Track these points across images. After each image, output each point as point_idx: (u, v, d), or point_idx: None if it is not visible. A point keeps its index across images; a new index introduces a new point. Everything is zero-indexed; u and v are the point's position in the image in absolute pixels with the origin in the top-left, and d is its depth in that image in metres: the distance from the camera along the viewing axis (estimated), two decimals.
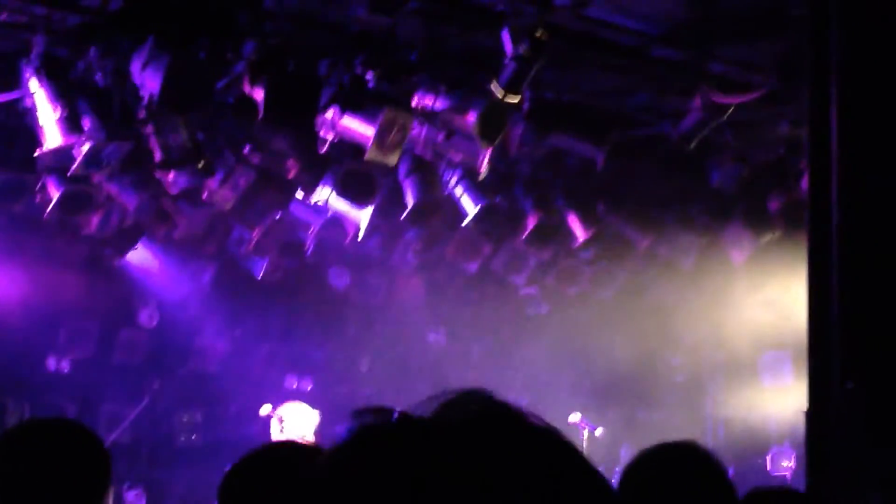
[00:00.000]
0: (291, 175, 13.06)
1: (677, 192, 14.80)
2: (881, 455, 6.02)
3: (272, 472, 3.97)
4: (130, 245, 14.46)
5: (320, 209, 14.02)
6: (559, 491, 1.51)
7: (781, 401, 16.24)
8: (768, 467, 15.96)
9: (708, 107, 11.90)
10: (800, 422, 6.55)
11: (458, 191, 13.44)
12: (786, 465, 16.00)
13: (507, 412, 1.57)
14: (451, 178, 13.34)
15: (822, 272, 6.43)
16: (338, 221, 14.22)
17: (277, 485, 3.75)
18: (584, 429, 14.80)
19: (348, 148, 11.89)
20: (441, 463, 1.47)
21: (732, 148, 13.67)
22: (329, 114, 11.20)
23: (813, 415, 6.40)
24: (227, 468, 4.20)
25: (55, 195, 12.63)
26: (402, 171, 12.96)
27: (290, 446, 4.35)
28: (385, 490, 1.46)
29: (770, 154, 13.91)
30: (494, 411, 1.57)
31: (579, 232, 14.82)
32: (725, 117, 12.06)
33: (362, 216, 13.78)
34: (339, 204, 13.56)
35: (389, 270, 16.92)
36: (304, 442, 4.48)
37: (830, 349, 6.32)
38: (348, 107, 11.12)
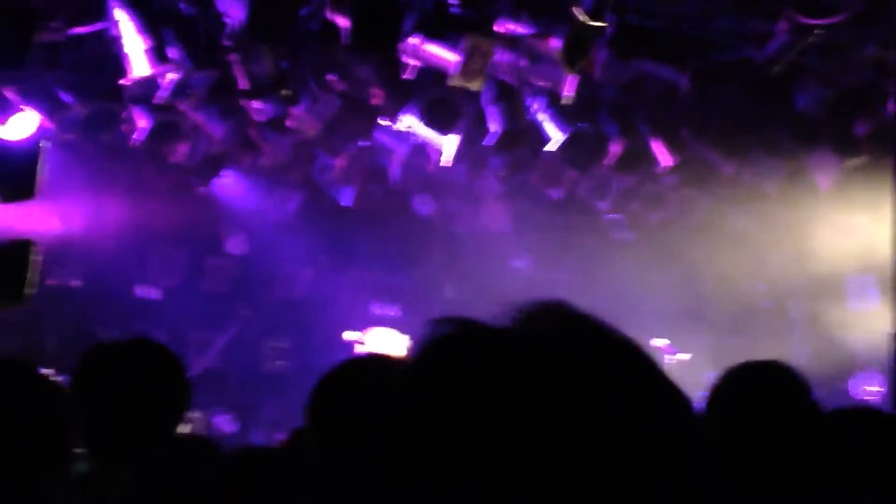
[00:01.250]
0: (375, 102, 13.08)
1: (762, 116, 14.66)
2: None
3: (357, 382, 3.99)
4: (217, 173, 14.57)
5: (405, 136, 14.02)
6: (634, 401, 1.49)
7: (867, 324, 16.15)
8: (852, 392, 15.88)
9: (793, 29, 11.77)
10: (885, 345, 6.51)
11: (542, 117, 13.40)
12: (870, 391, 15.91)
13: (586, 323, 1.56)
14: (534, 105, 13.29)
15: None
16: (422, 148, 14.22)
17: (362, 392, 3.78)
18: (669, 354, 14.82)
19: (432, 74, 11.88)
20: (516, 371, 1.47)
21: (818, 71, 13.52)
22: (412, 40, 11.18)
23: None
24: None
25: (142, 125, 12.72)
26: (486, 97, 12.92)
27: (375, 358, 4.38)
28: (456, 396, 1.46)
29: (857, 77, 13.73)
30: (572, 322, 1.56)
31: (663, 158, 14.74)
32: (811, 40, 11.93)
33: (447, 143, 13.77)
34: (424, 130, 13.56)
35: (474, 197, 16.92)
36: (389, 356, 4.51)
37: None
38: (431, 33, 11.09)
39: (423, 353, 1.53)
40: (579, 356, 1.50)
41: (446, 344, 1.53)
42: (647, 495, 1.46)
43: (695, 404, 1.62)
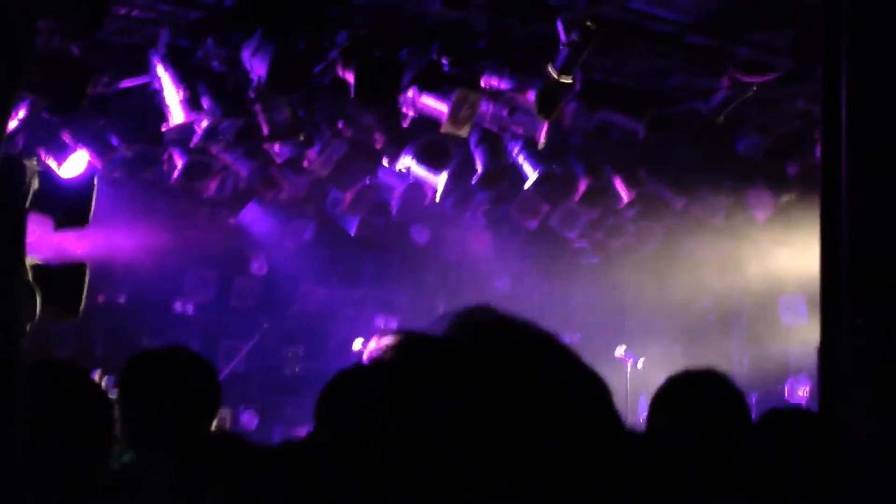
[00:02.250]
0: (378, 146, 13.08)
1: (708, 159, 14.67)
2: (884, 382, 5.97)
3: (355, 387, 4.00)
4: (243, 206, 14.54)
5: (403, 175, 14.02)
6: (553, 389, 1.46)
7: (797, 337, 16.14)
8: (786, 395, 15.85)
9: (734, 85, 11.78)
10: (813, 355, 6.51)
11: (520, 158, 13.39)
12: (801, 394, 15.87)
13: (506, 323, 1.53)
14: (514, 148, 13.29)
15: (833, 226, 6.36)
16: (418, 185, 14.22)
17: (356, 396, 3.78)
18: (628, 360, 14.78)
19: (426, 122, 11.88)
20: (442, 372, 1.44)
21: (755, 121, 13.53)
22: (410, 93, 11.18)
23: (825, 348, 6.34)
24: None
25: (180, 164, 12.71)
26: (473, 141, 12.92)
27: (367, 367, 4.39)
28: (402, 392, 1.45)
29: (788, 126, 13.75)
30: (494, 325, 1.52)
31: (623, 194, 14.75)
32: (749, 94, 11.94)
33: (439, 180, 13.77)
34: (419, 170, 13.55)
35: (462, 227, 16.91)
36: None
37: (840, 291, 6.26)
38: (426, 87, 11.09)
39: (371, 362, 1.51)
40: (497, 358, 1.46)
41: (393, 351, 1.51)
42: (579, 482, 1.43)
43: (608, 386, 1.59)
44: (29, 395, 3.70)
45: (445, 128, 11.22)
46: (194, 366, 4.51)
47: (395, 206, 14.99)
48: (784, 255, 15.63)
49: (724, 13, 10.45)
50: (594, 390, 1.50)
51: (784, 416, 4.37)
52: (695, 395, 4.22)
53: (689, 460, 4.03)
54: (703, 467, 4.03)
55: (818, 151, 9.04)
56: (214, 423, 4.48)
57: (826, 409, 6.21)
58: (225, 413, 14.10)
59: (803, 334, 15.52)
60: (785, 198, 14.70)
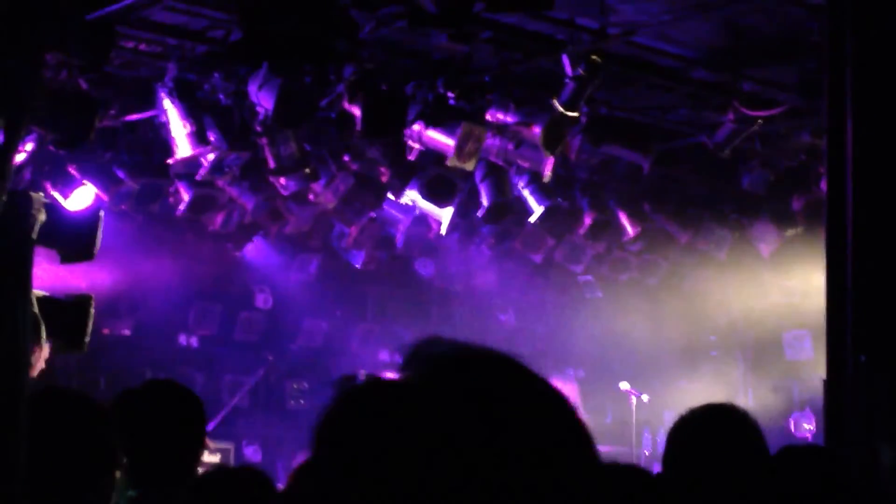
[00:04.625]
0: (384, 179, 13.10)
1: (713, 193, 14.70)
2: (889, 416, 5.96)
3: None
4: (248, 239, 14.56)
5: (408, 208, 14.03)
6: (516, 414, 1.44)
7: (802, 372, 16.11)
8: (791, 430, 15.81)
9: (739, 120, 11.80)
10: (819, 390, 6.50)
11: (526, 192, 13.41)
12: (806, 428, 15.83)
13: (461, 356, 1.51)
14: (519, 182, 13.31)
15: (838, 262, 6.37)
16: (423, 219, 14.23)
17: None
18: (633, 395, 14.75)
19: (432, 156, 11.91)
20: (400, 413, 1.43)
21: (760, 155, 13.55)
22: (416, 127, 11.21)
23: (830, 384, 6.34)
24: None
25: (186, 197, 12.73)
26: (478, 175, 12.94)
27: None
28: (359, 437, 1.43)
29: (793, 160, 13.77)
30: (445, 362, 1.51)
31: (628, 228, 14.77)
32: (754, 129, 11.96)
33: (444, 214, 13.77)
34: (425, 204, 13.56)
35: (467, 261, 16.90)
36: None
37: (845, 327, 6.25)
38: (432, 121, 11.12)
39: (330, 409, 1.51)
40: (456, 398, 1.44)
41: (344, 402, 1.51)
42: None
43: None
44: (34, 424, 3.70)
45: (451, 161, 11.25)
46: (180, 397, 4.54)
47: (400, 239, 15.00)
48: (789, 290, 15.62)
49: (729, 48, 10.50)
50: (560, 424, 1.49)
51: (799, 453, 4.37)
52: (713, 430, 4.21)
53: (707, 495, 4.03)
54: (720, 501, 4.03)
55: (823, 186, 9.07)
56: (212, 456, 4.50)
57: (832, 445, 6.19)
58: (228, 447, 14.07)
59: (808, 369, 15.52)
60: (790, 232, 14.70)
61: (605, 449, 14.73)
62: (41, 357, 5.92)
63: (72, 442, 3.67)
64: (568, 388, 15.02)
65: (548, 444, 1.44)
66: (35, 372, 5.55)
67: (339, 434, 1.47)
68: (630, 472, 3.98)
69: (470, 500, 1.38)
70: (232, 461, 13.77)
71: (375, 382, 1.51)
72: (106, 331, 14.56)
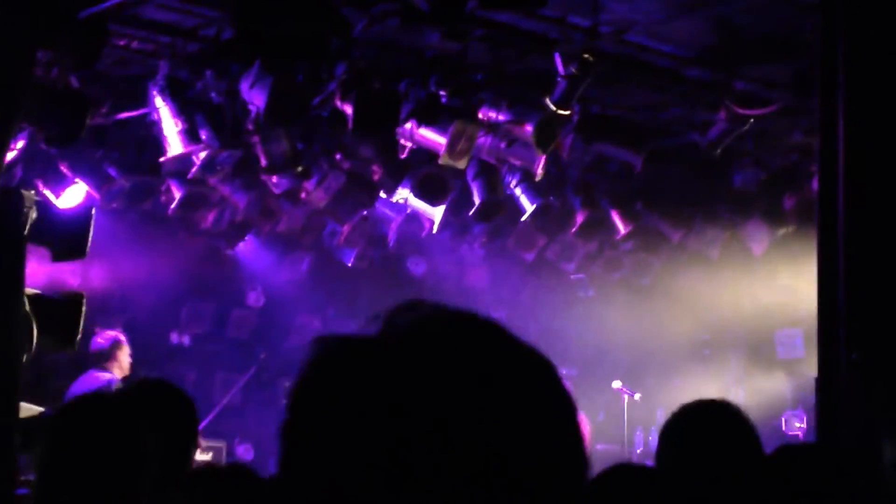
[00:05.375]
0: (376, 178, 13.10)
1: (705, 192, 14.71)
2: (881, 415, 5.97)
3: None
4: (240, 238, 14.55)
5: (400, 207, 14.03)
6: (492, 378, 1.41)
7: (793, 371, 16.13)
8: (783, 428, 15.82)
9: (731, 119, 11.82)
10: (811, 389, 6.51)
11: (518, 191, 13.42)
12: (797, 426, 15.84)
13: (440, 319, 1.49)
14: (511, 180, 13.31)
15: (830, 260, 6.38)
16: (415, 217, 14.24)
17: None
18: (625, 393, 14.76)
19: (424, 154, 11.91)
20: (382, 374, 1.40)
21: (752, 154, 13.58)
22: (408, 125, 11.21)
23: (822, 382, 6.35)
24: None
25: (177, 195, 12.72)
26: (470, 174, 12.94)
27: None
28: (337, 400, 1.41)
29: (785, 159, 13.80)
30: (427, 322, 1.48)
31: (620, 226, 14.78)
32: (746, 127, 11.98)
33: (436, 212, 13.78)
34: (417, 202, 13.57)
35: (459, 259, 16.91)
36: None
37: (837, 325, 6.26)
38: (424, 119, 11.13)
39: (304, 371, 1.48)
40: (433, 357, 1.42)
41: (322, 359, 1.48)
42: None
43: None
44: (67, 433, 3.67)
45: (443, 160, 11.25)
46: (172, 396, 4.53)
47: (392, 237, 15.01)
48: (780, 288, 15.63)
49: (722, 47, 10.51)
50: (540, 377, 1.46)
51: (798, 451, 4.38)
52: (707, 426, 4.22)
53: (700, 491, 4.03)
54: (714, 499, 4.03)
55: (815, 185, 9.09)
56: (205, 455, 4.50)
57: (824, 443, 6.20)
58: (220, 445, 14.05)
59: (800, 368, 15.54)
60: (782, 231, 14.71)
61: (597, 447, 14.76)
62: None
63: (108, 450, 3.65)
64: None
65: (527, 408, 1.40)
66: None
67: (315, 399, 1.44)
68: (625, 469, 3.98)
69: (444, 466, 1.35)
70: (224, 459, 13.76)
71: (350, 344, 1.48)
72: (97, 329, 14.55)
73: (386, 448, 1.35)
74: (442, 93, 11.06)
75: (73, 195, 12.07)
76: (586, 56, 10.20)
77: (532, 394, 1.43)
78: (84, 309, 7.65)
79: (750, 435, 4.18)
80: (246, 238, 14.67)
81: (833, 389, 6.25)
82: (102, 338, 11.24)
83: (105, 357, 11.08)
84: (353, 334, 1.50)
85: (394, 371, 1.41)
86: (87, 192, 12.08)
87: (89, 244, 8.19)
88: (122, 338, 11.32)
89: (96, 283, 13.93)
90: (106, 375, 10.88)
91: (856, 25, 6.49)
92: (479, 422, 1.36)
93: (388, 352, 1.44)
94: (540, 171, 11.92)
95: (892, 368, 6.11)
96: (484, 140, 11.64)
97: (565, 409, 1.45)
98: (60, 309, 7.37)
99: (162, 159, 11.21)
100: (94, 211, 8.49)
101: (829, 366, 6.30)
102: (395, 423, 1.36)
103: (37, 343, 6.62)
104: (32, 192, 8.30)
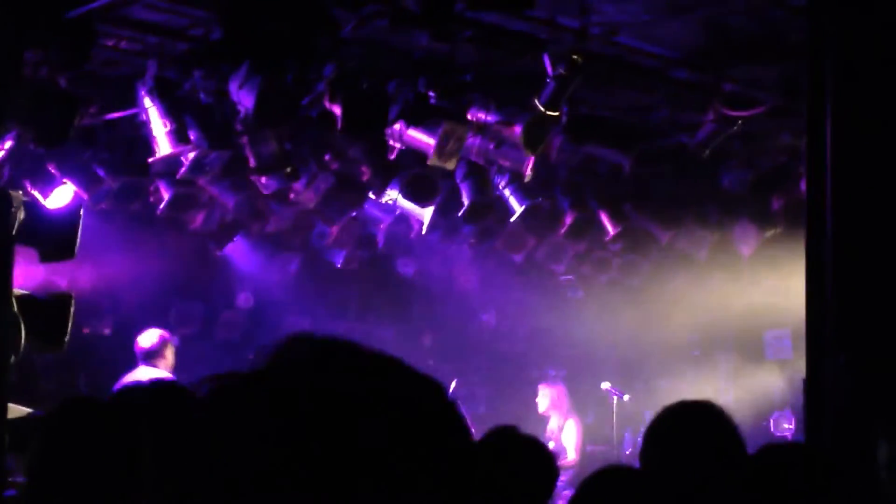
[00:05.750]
0: (365, 179, 13.09)
1: (693, 193, 14.73)
2: (870, 416, 5.98)
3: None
4: (229, 239, 14.53)
5: (390, 208, 14.03)
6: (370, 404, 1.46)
7: (782, 372, 16.16)
8: (771, 429, 15.85)
9: (720, 120, 11.83)
10: (798, 390, 6.52)
11: (507, 192, 13.42)
12: (786, 427, 15.87)
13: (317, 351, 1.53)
14: (500, 181, 13.32)
15: (818, 262, 6.39)
16: (405, 218, 14.24)
17: None
18: (615, 394, 14.78)
19: (413, 155, 11.90)
20: (264, 408, 1.45)
21: (741, 155, 13.59)
22: (397, 126, 11.21)
23: (810, 383, 6.36)
24: None
25: (166, 196, 12.70)
26: (459, 175, 12.95)
27: None
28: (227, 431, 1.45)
29: (774, 161, 13.82)
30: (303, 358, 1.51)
31: (609, 227, 14.78)
32: (735, 129, 11.99)
33: (425, 214, 13.79)
34: (406, 203, 13.57)
35: (448, 260, 16.92)
36: None
37: (825, 327, 6.28)
38: (413, 120, 11.13)
39: (201, 405, 1.51)
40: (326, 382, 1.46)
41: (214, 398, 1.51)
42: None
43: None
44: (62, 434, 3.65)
45: (432, 161, 11.25)
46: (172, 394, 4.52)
47: (381, 239, 15.01)
48: (769, 289, 15.65)
49: (710, 48, 10.52)
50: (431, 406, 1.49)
51: (782, 451, 4.39)
52: (689, 427, 4.23)
53: (684, 491, 4.04)
54: (698, 499, 4.04)
55: (803, 186, 9.11)
56: None
57: (813, 444, 6.22)
58: None
59: (789, 369, 15.58)
60: (770, 232, 14.74)
61: (587, 448, 14.79)
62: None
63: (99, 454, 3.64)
64: (556, 390, 15.02)
65: (390, 446, 1.44)
66: None
67: (207, 428, 1.48)
68: (614, 472, 3.99)
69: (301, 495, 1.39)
70: None
71: (239, 380, 1.53)
72: (86, 330, 14.53)
73: (269, 469, 1.40)
74: (431, 94, 11.06)
75: (61, 196, 12.04)
76: (575, 57, 10.20)
77: (395, 431, 1.46)
78: (72, 310, 7.64)
79: (733, 435, 4.20)
80: (235, 239, 14.66)
81: (821, 390, 6.27)
82: (151, 336, 11.98)
83: (155, 354, 11.82)
84: (243, 370, 1.55)
85: (271, 403, 1.46)
86: (76, 193, 12.06)
87: (78, 245, 8.19)
88: (168, 336, 12.12)
89: (84, 284, 13.91)
90: (155, 371, 11.37)
91: (843, 27, 6.51)
92: (334, 457, 1.41)
93: (267, 385, 1.49)
94: (529, 172, 11.93)
95: (880, 369, 6.12)
96: (473, 141, 11.64)
97: (448, 442, 1.49)
98: (48, 310, 7.37)
99: (151, 160, 11.18)
100: (82, 211, 8.49)
101: (818, 367, 6.32)
102: (269, 451, 1.41)
103: (25, 344, 6.61)
104: (20, 192, 8.29)
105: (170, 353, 11.97)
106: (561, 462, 13.39)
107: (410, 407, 1.48)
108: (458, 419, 1.51)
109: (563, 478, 8.59)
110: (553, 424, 14.72)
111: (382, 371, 1.51)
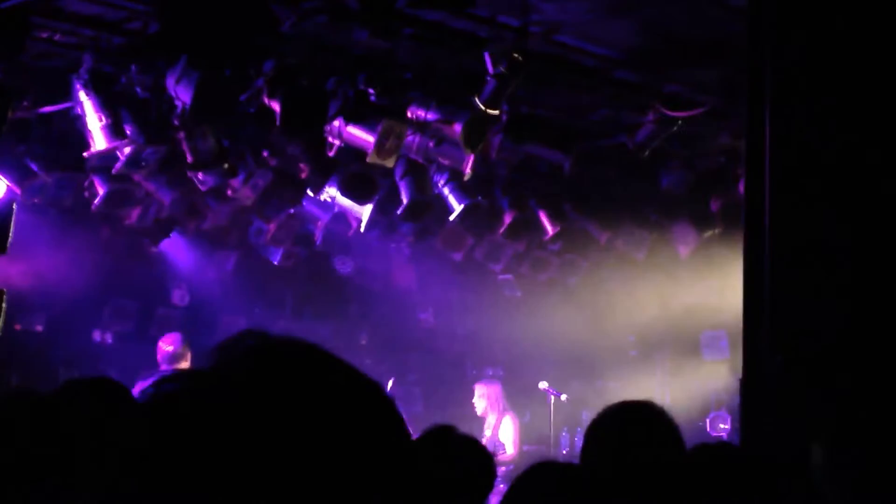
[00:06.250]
0: (303, 176, 13.03)
1: (632, 193, 14.80)
2: (805, 417, 6.03)
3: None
4: (165, 235, 14.44)
5: (328, 205, 13.99)
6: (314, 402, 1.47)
7: (718, 372, 16.27)
8: (707, 429, 15.96)
9: (660, 121, 11.90)
10: (735, 390, 6.57)
11: (446, 190, 13.42)
12: (722, 428, 15.99)
13: (264, 350, 1.54)
14: (439, 180, 13.32)
15: (756, 263, 6.43)
16: (343, 216, 14.20)
17: None
18: (552, 394, 14.81)
19: (352, 153, 11.88)
20: (211, 407, 1.45)
21: (680, 156, 13.67)
22: (336, 123, 11.18)
23: (746, 384, 6.40)
24: None
25: (102, 191, 12.59)
26: (398, 173, 12.93)
27: None
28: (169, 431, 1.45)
29: (712, 162, 13.91)
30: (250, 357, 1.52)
31: (548, 227, 14.82)
32: (675, 130, 12.06)
33: (364, 211, 13.76)
34: (344, 201, 13.53)
35: (386, 259, 16.90)
36: None
37: (762, 328, 6.32)
38: (352, 117, 11.10)
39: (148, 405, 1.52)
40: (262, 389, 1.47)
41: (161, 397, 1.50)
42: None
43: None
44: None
45: (371, 158, 11.22)
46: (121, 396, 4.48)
47: (319, 236, 14.96)
48: (706, 290, 15.76)
49: (651, 49, 10.57)
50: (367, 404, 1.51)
51: (713, 450, 4.41)
52: (629, 427, 4.24)
53: (623, 490, 4.05)
54: (636, 498, 4.05)
55: (742, 188, 9.18)
56: None
57: (747, 444, 6.26)
58: None
59: (725, 369, 15.69)
60: (708, 233, 14.84)
61: (524, 448, 14.81)
62: None
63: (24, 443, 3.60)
64: (493, 389, 15.03)
65: (331, 440, 1.45)
66: None
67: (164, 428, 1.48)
68: (548, 467, 3.99)
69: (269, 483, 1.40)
70: None
71: (188, 377, 1.53)
72: (18, 326, 14.38)
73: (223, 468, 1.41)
74: (370, 91, 11.04)
75: None
76: (516, 56, 10.22)
77: (336, 425, 1.48)
78: (4, 306, 7.56)
79: (672, 434, 4.22)
80: (171, 235, 14.56)
81: (757, 391, 6.31)
82: (172, 340, 12.40)
83: (178, 357, 12.21)
84: (192, 369, 1.56)
85: (222, 401, 1.46)
86: (8, 188, 11.91)
87: (10, 240, 8.10)
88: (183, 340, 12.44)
89: (17, 280, 13.74)
90: None
91: (782, 30, 6.55)
92: (273, 451, 1.42)
93: (217, 384, 1.49)
94: (468, 170, 11.93)
95: (815, 370, 6.17)
96: (412, 139, 11.63)
97: (384, 436, 1.50)
98: None
99: (86, 154, 11.08)
100: (14, 206, 8.40)
101: (754, 367, 6.36)
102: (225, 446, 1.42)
103: None
104: None
105: (190, 356, 12.28)
106: (500, 457, 13.43)
107: (347, 405, 1.48)
108: (395, 418, 1.51)
109: (500, 472, 8.61)
110: (490, 422, 14.74)
111: (321, 370, 1.51)
